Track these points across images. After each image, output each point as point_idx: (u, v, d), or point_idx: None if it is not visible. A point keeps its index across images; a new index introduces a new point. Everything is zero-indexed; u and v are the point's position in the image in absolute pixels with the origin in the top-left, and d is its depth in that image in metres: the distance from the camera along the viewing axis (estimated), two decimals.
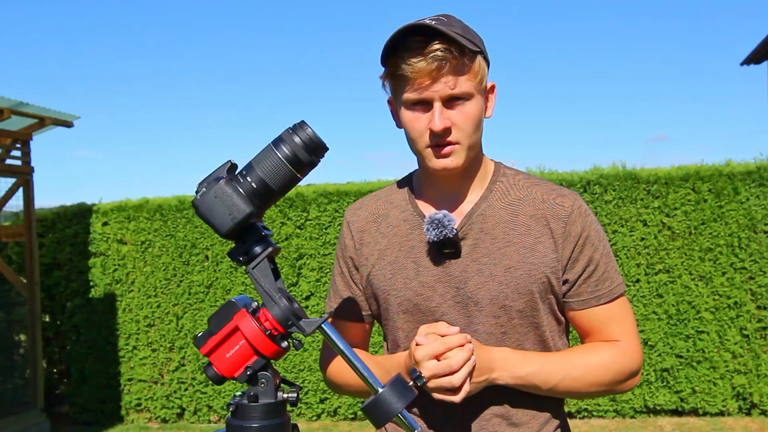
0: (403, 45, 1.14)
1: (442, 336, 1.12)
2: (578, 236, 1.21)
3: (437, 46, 1.11)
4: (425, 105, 1.16)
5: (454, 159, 1.18)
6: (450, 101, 1.16)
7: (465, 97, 1.16)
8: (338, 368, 1.31)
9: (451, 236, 1.19)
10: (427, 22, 1.12)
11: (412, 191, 1.32)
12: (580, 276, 1.22)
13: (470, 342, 1.12)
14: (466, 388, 1.10)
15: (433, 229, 1.19)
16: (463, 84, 1.15)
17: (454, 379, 1.09)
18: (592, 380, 1.21)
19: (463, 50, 1.13)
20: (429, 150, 1.19)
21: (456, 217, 1.23)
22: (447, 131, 1.16)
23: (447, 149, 1.17)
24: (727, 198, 4.89)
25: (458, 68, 1.14)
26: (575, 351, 1.25)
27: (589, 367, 1.21)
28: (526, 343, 1.23)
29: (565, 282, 1.23)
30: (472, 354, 1.11)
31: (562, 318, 1.27)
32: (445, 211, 1.19)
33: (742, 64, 9.22)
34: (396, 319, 1.27)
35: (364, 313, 1.34)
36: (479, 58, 1.17)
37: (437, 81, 1.13)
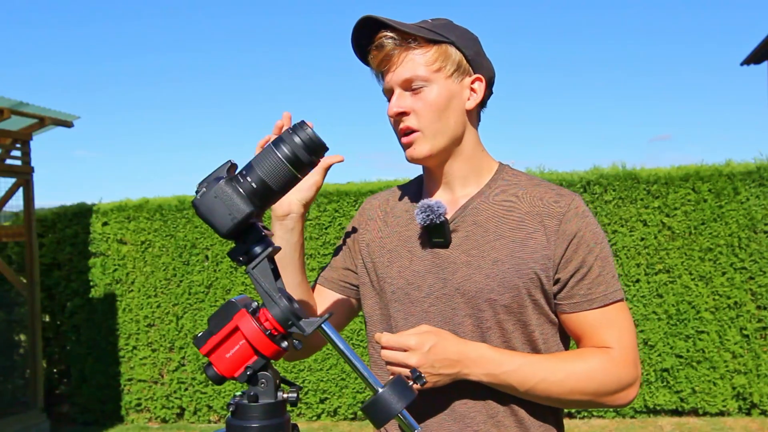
0: (369, 42, 1.22)
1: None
2: (572, 235, 1.18)
3: (381, 35, 1.19)
4: (392, 94, 1.22)
5: (417, 147, 1.21)
6: (412, 89, 1.20)
7: (422, 83, 1.19)
8: None
9: (438, 222, 1.19)
10: (373, 15, 1.19)
11: (422, 186, 1.35)
12: (572, 277, 1.18)
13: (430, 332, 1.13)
14: (430, 378, 1.11)
15: (421, 213, 1.20)
16: (417, 69, 1.18)
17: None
18: (574, 387, 1.15)
19: (407, 37, 1.18)
20: (401, 142, 1.24)
21: (451, 209, 1.24)
22: (402, 115, 1.20)
23: (408, 138, 1.21)
24: (727, 198, 4.89)
25: (411, 55, 1.19)
26: (561, 355, 1.20)
27: (571, 373, 1.15)
28: (513, 341, 1.19)
29: (557, 282, 1.19)
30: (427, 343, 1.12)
31: (556, 319, 1.22)
32: (438, 200, 1.21)
33: (742, 64, 9.22)
34: (389, 307, 1.27)
35: (348, 282, 1.37)
36: (445, 47, 1.20)
37: (392, 69, 1.20)
